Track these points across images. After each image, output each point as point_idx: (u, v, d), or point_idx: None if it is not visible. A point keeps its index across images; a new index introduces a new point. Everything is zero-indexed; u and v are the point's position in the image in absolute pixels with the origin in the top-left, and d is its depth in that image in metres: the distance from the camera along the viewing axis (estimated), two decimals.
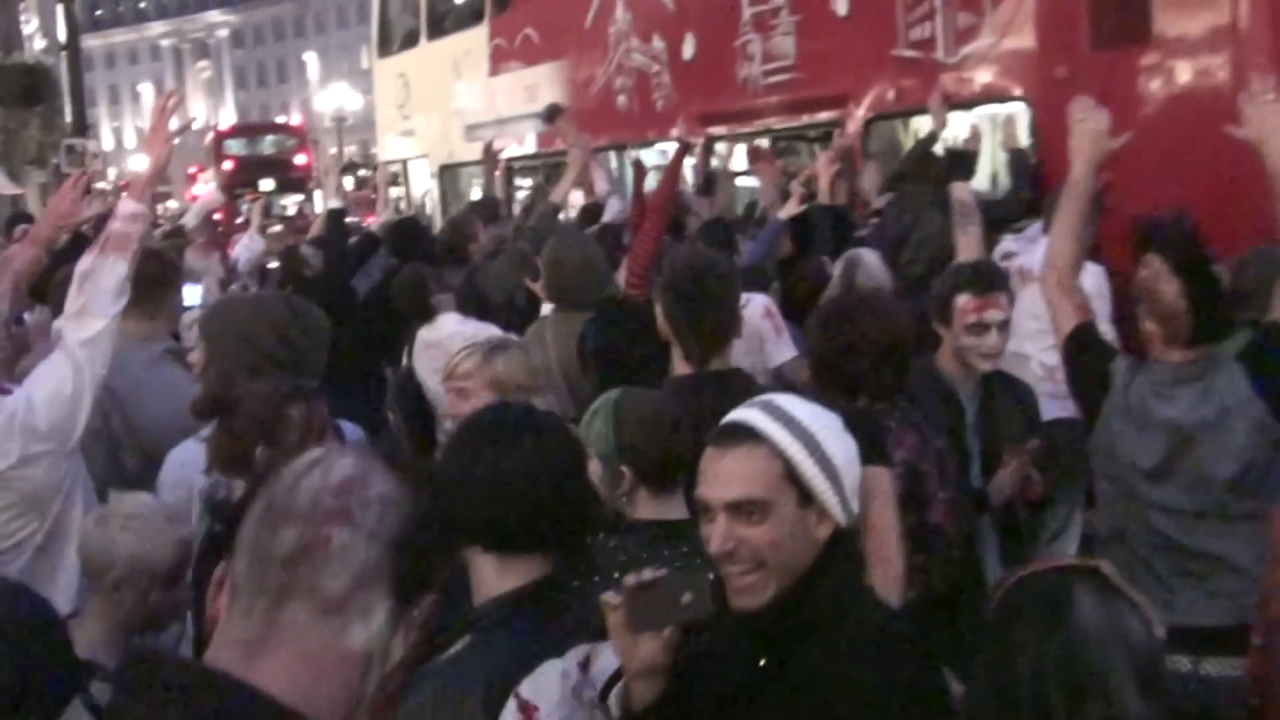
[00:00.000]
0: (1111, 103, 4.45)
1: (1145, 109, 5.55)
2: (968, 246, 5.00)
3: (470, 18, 12.67)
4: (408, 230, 7.77)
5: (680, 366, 3.76)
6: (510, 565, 2.29)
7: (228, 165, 32.16)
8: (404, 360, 5.94)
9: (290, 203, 30.42)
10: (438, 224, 12.56)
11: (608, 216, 7.53)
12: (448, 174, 13.48)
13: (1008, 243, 5.57)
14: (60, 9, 24.53)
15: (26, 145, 26.72)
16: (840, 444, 2.18)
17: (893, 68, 7.25)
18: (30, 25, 33.79)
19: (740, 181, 8.85)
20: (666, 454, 2.82)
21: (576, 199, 8.61)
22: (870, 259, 5.27)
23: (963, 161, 5.71)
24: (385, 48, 14.89)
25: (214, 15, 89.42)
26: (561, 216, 8.03)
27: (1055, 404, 4.47)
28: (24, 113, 26.63)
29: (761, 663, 2.11)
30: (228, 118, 77.89)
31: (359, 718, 1.50)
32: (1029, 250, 5.33)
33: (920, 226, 5.70)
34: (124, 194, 3.89)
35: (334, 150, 38.97)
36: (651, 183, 6.02)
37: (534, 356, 3.55)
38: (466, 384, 3.46)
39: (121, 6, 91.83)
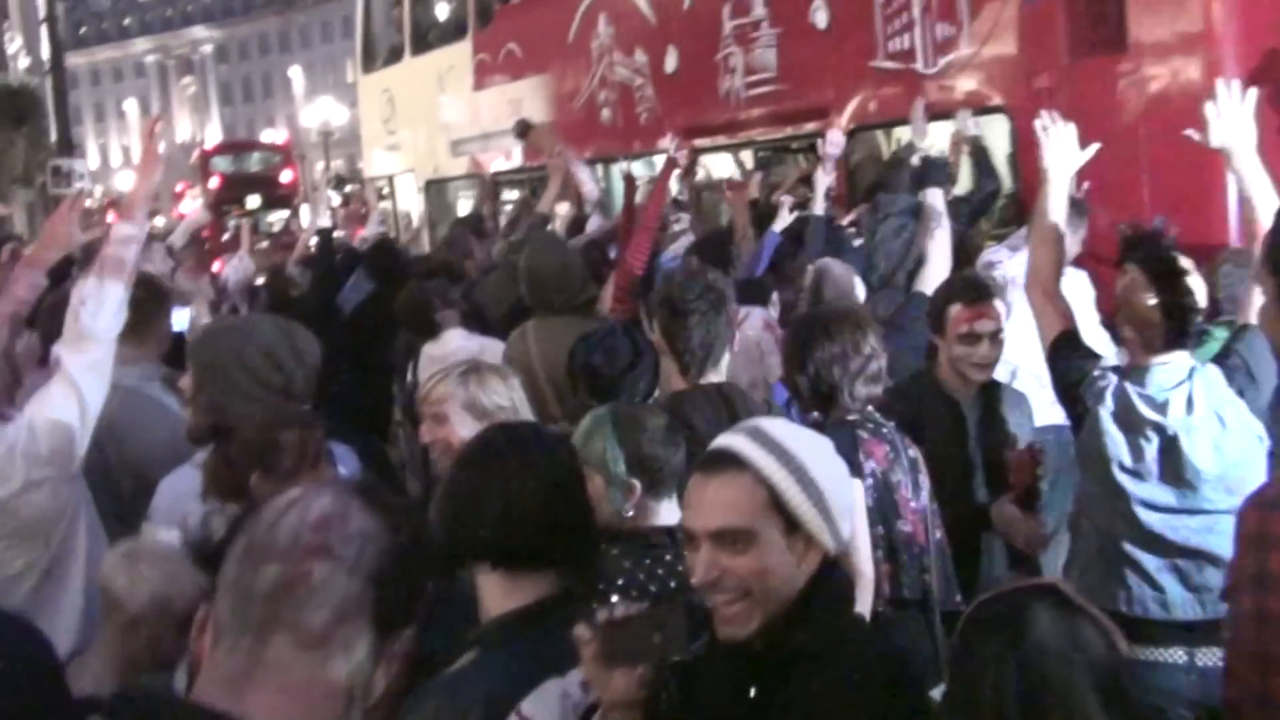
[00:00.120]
0: (1091, 111, 4.50)
1: (1124, 116, 5.60)
2: (936, 251, 5.05)
3: (454, 33, 12.67)
4: (385, 251, 7.94)
5: (675, 381, 3.79)
6: (519, 583, 2.31)
7: (214, 182, 32.22)
8: (409, 376, 6.04)
9: (276, 219, 30.39)
10: (424, 239, 12.62)
11: (590, 228, 7.60)
12: (434, 189, 13.51)
13: (991, 252, 5.62)
14: (44, 28, 24.48)
15: (13, 164, 26.69)
16: (829, 469, 2.13)
17: (873, 79, 7.30)
18: (14, 44, 33.74)
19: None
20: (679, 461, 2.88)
21: (565, 210, 8.63)
22: (838, 270, 5.26)
23: (936, 168, 5.75)
24: (370, 63, 14.89)
25: (198, 31, 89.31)
26: (550, 227, 8.06)
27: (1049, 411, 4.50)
28: (10, 132, 26.60)
29: (752, 693, 2.05)
30: (213, 133, 77.90)
31: None
32: (1012, 260, 5.37)
33: (886, 228, 5.77)
34: (115, 216, 3.90)
35: (321, 165, 38.96)
36: (640, 197, 6.07)
37: (510, 376, 3.53)
38: (441, 408, 3.38)
39: (106, 23, 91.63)
